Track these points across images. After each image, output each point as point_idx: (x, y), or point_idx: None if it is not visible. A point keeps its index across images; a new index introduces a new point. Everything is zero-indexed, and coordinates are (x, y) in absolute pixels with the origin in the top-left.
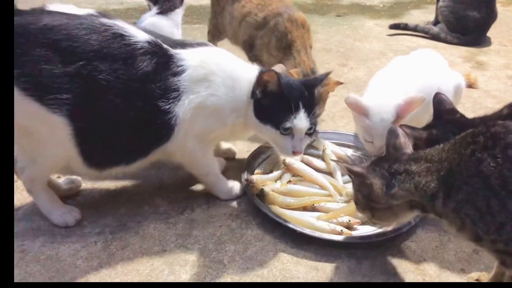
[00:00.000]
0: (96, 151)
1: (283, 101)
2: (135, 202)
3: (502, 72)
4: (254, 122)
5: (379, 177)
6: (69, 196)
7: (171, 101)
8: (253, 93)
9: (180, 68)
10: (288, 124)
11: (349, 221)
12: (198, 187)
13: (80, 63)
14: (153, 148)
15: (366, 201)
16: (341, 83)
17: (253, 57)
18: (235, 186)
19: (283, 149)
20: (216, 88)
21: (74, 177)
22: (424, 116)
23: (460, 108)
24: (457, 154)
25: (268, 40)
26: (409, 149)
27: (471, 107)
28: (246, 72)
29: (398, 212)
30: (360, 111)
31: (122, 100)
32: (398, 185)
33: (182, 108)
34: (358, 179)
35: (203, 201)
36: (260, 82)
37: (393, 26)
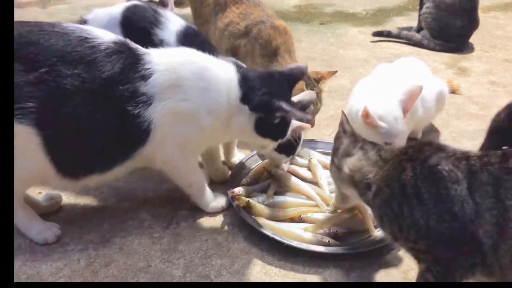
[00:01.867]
0: (68, 159)
1: (288, 120)
2: (119, 216)
3: (484, 77)
4: (250, 133)
5: (350, 141)
6: (50, 212)
7: (140, 105)
8: (246, 99)
9: (147, 71)
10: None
11: (336, 231)
12: (183, 200)
13: (43, 70)
14: (128, 154)
15: (332, 155)
16: (335, 72)
17: None
18: (220, 198)
19: (278, 160)
20: (187, 92)
21: (54, 192)
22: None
23: (444, 115)
24: (395, 160)
25: (251, 47)
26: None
27: (455, 113)
28: (222, 71)
29: (342, 181)
30: (371, 122)
31: (88, 104)
32: (355, 156)
33: (155, 114)
34: (340, 133)
35: (189, 215)
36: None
37: (377, 34)
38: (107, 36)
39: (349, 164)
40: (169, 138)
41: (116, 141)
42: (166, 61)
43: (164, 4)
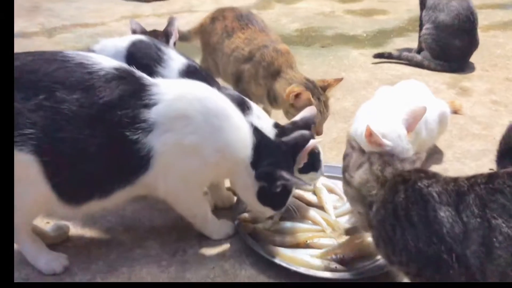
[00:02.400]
0: (69, 185)
1: (289, 190)
2: (127, 245)
3: (486, 97)
4: (252, 197)
5: (359, 154)
6: (58, 243)
7: (140, 131)
8: (255, 165)
9: (152, 100)
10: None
11: (343, 256)
12: (190, 228)
13: (42, 96)
14: (127, 180)
15: (343, 173)
16: (341, 79)
17: (241, 91)
18: (226, 225)
19: (264, 215)
20: (197, 126)
21: (62, 222)
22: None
23: (447, 135)
24: (392, 181)
25: (255, 71)
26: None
27: (458, 133)
28: (240, 119)
29: (353, 200)
30: (377, 141)
31: (86, 129)
32: (362, 167)
33: (157, 142)
34: (349, 150)
35: (195, 242)
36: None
37: (378, 56)
38: (108, 63)
39: (357, 177)
40: (172, 170)
41: (114, 166)
42: (176, 91)
43: (168, 35)
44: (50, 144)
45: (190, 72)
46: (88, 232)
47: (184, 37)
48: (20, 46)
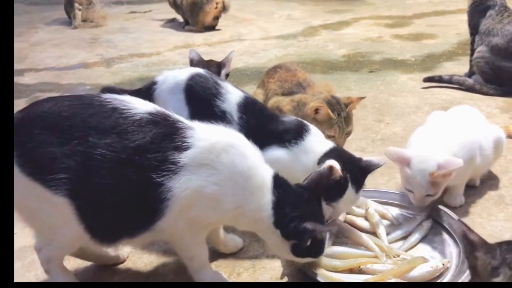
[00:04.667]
0: (99, 227)
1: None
2: (183, 267)
3: None
4: (288, 254)
5: (485, 254)
6: (116, 264)
7: (165, 173)
8: (278, 224)
9: (185, 143)
10: None
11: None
12: (244, 250)
13: (76, 141)
14: (152, 222)
15: (471, 271)
16: (363, 98)
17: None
18: (218, 276)
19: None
20: (221, 179)
21: None
22: (467, 172)
23: (503, 161)
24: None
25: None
26: None
27: None
28: (263, 181)
29: None
30: (401, 161)
31: (116, 173)
32: (500, 277)
33: (178, 185)
34: (468, 248)
35: (249, 265)
36: (310, 235)
37: (428, 79)
38: (144, 107)
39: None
40: (187, 215)
41: (139, 209)
42: (210, 140)
43: (220, 66)
44: (82, 188)
45: (248, 104)
46: (147, 254)
47: None
48: (82, 75)
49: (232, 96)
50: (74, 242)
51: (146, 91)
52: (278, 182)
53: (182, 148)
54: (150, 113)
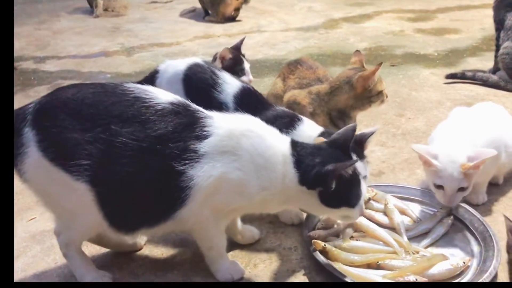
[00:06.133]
0: (119, 214)
1: (355, 179)
2: (200, 257)
3: None
4: (322, 208)
5: None
6: (133, 251)
7: (187, 162)
8: (303, 181)
9: (205, 133)
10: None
11: (416, 280)
12: (260, 242)
13: (99, 129)
14: (173, 211)
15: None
16: (381, 64)
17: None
18: (234, 268)
19: (351, 218)
20: (243, 164)
21: None
22: (491, 169)
23: None
24: None
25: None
26: None
27: None
28: (281, 151)
29: None
30: (430, 155)
31: (137, 161)
32: None
33: (201, 173)
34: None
35: (265, 256)
36: (332, 176)
37: (450, 76)
38: (166, 97)
39: None
40: (211, 202)
41: (160, 198)
42: (229, 127)
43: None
44: (103, 175)
45: (244, 94)
46: (163, 242)
47: None
48: (103, 64)
49: (229, 86)
50: (92, 228)
51: (149, 80)
52: (295, 144)
53: (202, 137)
54: (172, 103)
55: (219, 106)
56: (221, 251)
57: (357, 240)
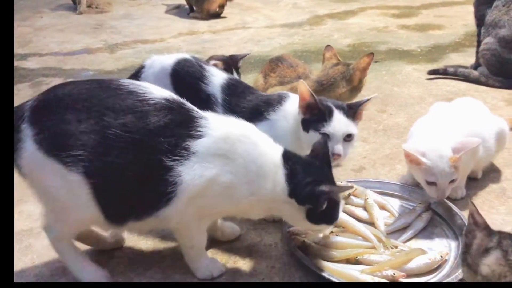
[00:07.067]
0: (112, 206)
1: (335, 201)
2: (179, 254)
3: None
4: (303, 222)
5: (485, 235)
6: (115, 248)
7: (176, 158)
8: (293, 194)
9: (199, 132)
10: None
11: (394, 274)
12: (241, 239)
13: (92, 120)
14: (160, 207)
15: (463, 248)
16: (372, 54)
17: None
18: (214, 265)
19: (323, 232)
20: (236, 168)
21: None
22: (469, 164)
23: (506, 153)
24: None
25: None
26: None
27: None
28: (273, 159)
29: (474, 279)
30: (416, 154)
31: (129, 153)
32: (492, 255)
33: (191, 171)
34: (472, 226)
35: (246, 253)
36: (325, 197)
37: (432, 72)
38: (160, 93)
39: (486, 267)
40: (197, 203)
41: (148, 191)
42: (225, 130)
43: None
44: (97, 167)
45: (230, 85)
46: (144, 240)
47: None
48: (85, 61)
49: (216, 78)
50: (85, 220)
51: (135, 75)
52: (288, 156)
53: (195, 136)
54: (166, 99)
55: (207, 98)
56: (201, 249)
57: (336, 235)
